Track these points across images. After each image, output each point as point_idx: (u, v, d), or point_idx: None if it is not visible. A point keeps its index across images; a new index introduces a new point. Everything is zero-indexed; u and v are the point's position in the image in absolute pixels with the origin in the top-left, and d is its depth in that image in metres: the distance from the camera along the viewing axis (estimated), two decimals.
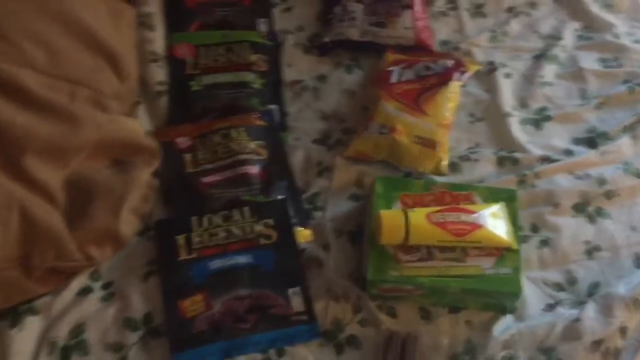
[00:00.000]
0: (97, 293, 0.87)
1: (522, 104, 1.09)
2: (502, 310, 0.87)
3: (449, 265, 0.85)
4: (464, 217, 0.86)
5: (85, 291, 0.87)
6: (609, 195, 0.97)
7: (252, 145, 0.99)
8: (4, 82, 0.80)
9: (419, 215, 0.85)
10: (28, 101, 0.82)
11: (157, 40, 1.12)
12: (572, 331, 0.83)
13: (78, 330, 0.83)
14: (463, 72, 1.08)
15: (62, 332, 0.83)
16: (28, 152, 0.81)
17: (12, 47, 0.82)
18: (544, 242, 0.93)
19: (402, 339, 0.83)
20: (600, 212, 0.96)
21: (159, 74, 1.09)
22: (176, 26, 1.16)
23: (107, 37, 0.95)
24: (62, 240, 0.82)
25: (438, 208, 0.87)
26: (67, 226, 0.83)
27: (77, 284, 0.87)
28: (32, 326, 0.83)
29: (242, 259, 0.88)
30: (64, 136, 0.84)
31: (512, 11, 1.23)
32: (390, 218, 0.85)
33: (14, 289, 0.81)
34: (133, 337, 0.83)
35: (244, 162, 0.97)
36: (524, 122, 1.07)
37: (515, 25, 1.20)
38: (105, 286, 0.87)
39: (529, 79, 1.12)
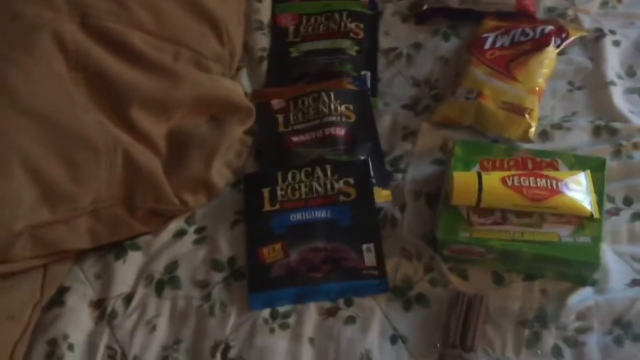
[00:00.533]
0: (191, 236, 0.96)
1: (630, 72, 1.03)
2: (581, 282, 0.84)
3: (524, 231, 0.84)
4: (542, 182, 0.84)
5: (180, 233, 0.96)
6: None
7: (341, 108, 1.03)
8: (115, 41, 0.91)
9: (493, 178, 0.85)
10: (135, 59, 0.92)
11: (264, 10, 1.19)
12: None
13: (172, 267, 0.92)
14: (564, 38, 1.04)
15: (158, 268, 0.92)
16: (134, 104, 0.91)
17: (123, 10, 0.92)
18: (636, 216, 0.89)
19: (469, 298, 0.83)
20: None
21: (262, 41, 1.16)
22: None
23: (212, 5, 1.02)
24: (161, 185, 0.91)
25: (515, 172, 0.86)
26: (165, 173, 0.92)
27: (174, 226, 0.96)
28: (134, 260, 0.93)
29: (321, 214, 0.93)
30: (166, 92, 0.93)
31: None
32: (463, 179, 0.85)
33: (119, 225, 0.91)
34: (218, 277, 0.91)
35: (331, 124, 1.01)
36: (629, 91, 1.01)
37: None
38: (198, 230, 0.96)
39: None
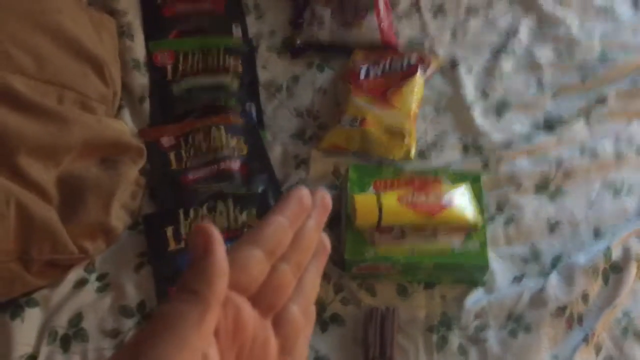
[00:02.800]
0: (93, 284, 0.92)
1: (484, 95, 1.17)
2: (473, 284, 0.94)
3: (421, 243, 0.92)
4: (432, 198, 0.93)
5: (81, 283, 0.91)
6: (567, 175, 1.04)
7: (233, 141, 1.05)
8: None
9: (390, 198, 0.92)
10: (19, 104, 0.87)
11: (137, 48, 1.17)
12: (538, 299, 0.90)
13: (77, 319, 0.88)
14: (426, 67, 1.15)
15: (61, 322, 0.87)
16: (21, 152, 0.86)
17: (2, 54, 0.87)
18: (509, 220, 1.01)
19: (382, 313, 0.89)
20: (559, 191, 1.03)
21: (141, 79, 1.14)
22: (156, 35, 1.21)
23: (91, 45, 1.00)
24: (58, 234, 0.86)
25: (408, 190, 0.94)
26: (61, 221, 0.88)
27: (73, 276, 0.92)
28: (33, 317, 0.87)
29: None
30: (55, 136, 0.89)
31: (470, 11, 1.30)
32: (364, 201, 0.91)
33: (14, 281, 0.85)
34: (129, 323, 0.88)
35: (225, 158, 1.03)
36: (486, 111, 1.14)
37: (474, 23, 1.28)
38: (100, 278, 0.92)
39: (489, 72, 1.20)
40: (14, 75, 0.88)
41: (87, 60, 0.98)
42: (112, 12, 1.18)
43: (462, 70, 1.19)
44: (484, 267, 0.91)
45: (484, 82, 1.19)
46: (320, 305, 0.91)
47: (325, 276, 0.93)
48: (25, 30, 0.91)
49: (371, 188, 0.96)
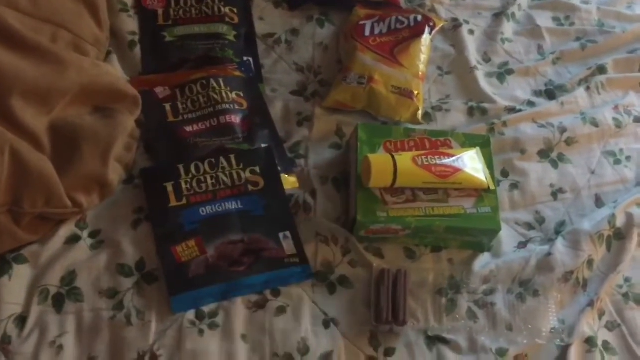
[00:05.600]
0: (86, 241, 0.85)
1: (486, 58, 1.15)
2: (480, 249, 0.92)
3: (433, 206, 0.89)
4: (446, 159, 0.90)
5: (73, 239, 0.85)
6: (569, 142, 1.04)
7: (233, 95, 1.00)
8: None
9: (405, 159, 0.89)
10: (14, 41, 0.79)
11: None
12: (545, 264, 0.90)
13: (70, 277, 0.82)
14: (432, 27, 1.12)
15: (53, 280, 0.81)
16: (14, 94, 0.78)
17: None
18: (514, 186, 1.00)
19: (393, 275, 0.87)
20: (562, 158, 1.03)
21: (130, 24, 1.06)
22: None
23: None
24: (53, 186, 0.80)
25: (422, 152, 0.91)
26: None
27: (64, 232, 0.85)
28: (21, 274, 0.81)
29: (232, 205, 0.89)
30: (50, 78, 0.81)
31: None
32: (379, 162, 0.88)
33: (2, 235, 0.78)
34: (127, 283, 0.83)
35: (225, 112, 0.97)
36: (489, 75, 1.12)
37: None
38: (94, 234, 0.86)
39: (490, 36, 1.18)
40: (7, 9, 0.79)
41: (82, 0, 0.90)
42: None
43: (464, 32, 1.16)
44: (496, 230, 0.90)
45: (486, 45, 1.17)
46: (328, 267, 0.88)
47: (333, 238, 0.90)
48: None
49: (381, 149, 0.93)
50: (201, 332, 0.80)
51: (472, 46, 1.15)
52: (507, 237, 0.95)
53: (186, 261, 0.84)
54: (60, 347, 0.77)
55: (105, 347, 0.78)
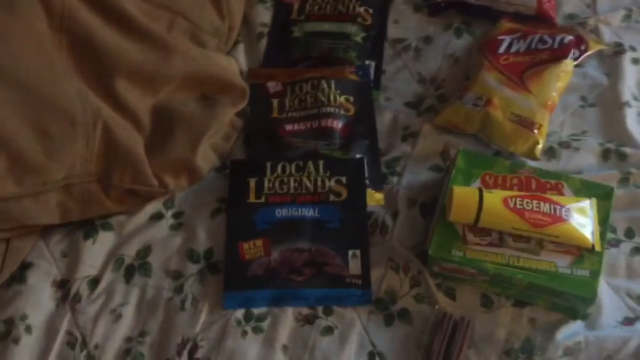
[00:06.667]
0: (168, 220, 0.90)
1: None
2: (573, 315, 0.80)
3: (520, 256, 0.79)
4: (545, 207, 0.79)
5: (157, 217, 0.90)
6: None
7: (341, 99, 0.97)
8: (107, 4, 0.83)
9: (495, 198, 0.80)
10: (127, 26, 0.84)
11: None
12: None
13: (145, 252, 0.87)
14: (583, 51, 0.98)
15: (130, 252, 0.87)
16: (120, 75, 0.84)
17: None
18: (637, 250, 0.84)
19: (455, 321, 0.79)
20: None
21: (264, 15, 1.08)
22: None
23: None
24: (140, 164, 0.85)
25: (518, 193, 0.81)
26: (147, 151, 0.86)
27: (151, 208, 0.90)
28: (105, 241, 0.88)
29: (308, 212, 0.87)
30: (156, 64, 0.86)
31: None
32: (463, 195, 0.80)
33: (92, 203, 0.85)
34: (192, 269, 0.86)
35: (328, 115, 0.95)
36: None
37: None
38: (176, 215, 0.90)
39: None
40: None
41: None
42: None
43: (627, 60, 1.00)
44: (589, 300, 0.77)
45: None
46: (391, 296, 0.82)
47: (404, 267, 0.84)
48: None
49: (478, 181, 0.85)
50: (244, 333, 0.80)
51: (631, 77, 0.99)
52: (612, 308, 0.81)
53: (249, 259, 0.84)
54: (119, 316, 0.82)
55: (156, 326, 0.82)
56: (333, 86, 0.98)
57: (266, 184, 0.89)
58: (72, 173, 0.82)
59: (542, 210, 0.79)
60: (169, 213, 0.90)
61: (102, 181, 0.84)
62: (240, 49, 1.04)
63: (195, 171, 0.89)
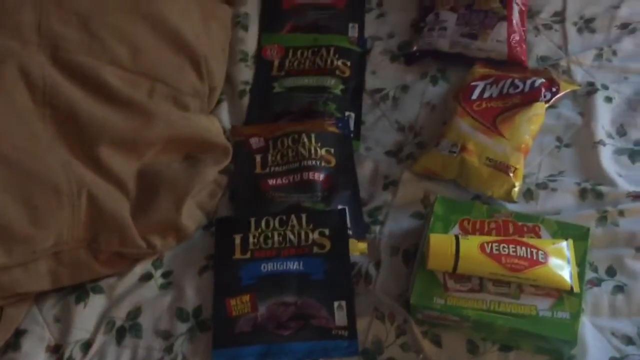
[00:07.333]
0: (157, 280, 0.92)
1: (621, 131, 1.00)
2: (558, 357, 0.81)
3: (501, 301, 0.80)
4: (522, 251, 0.81)
5: (146, 277, 0.92)
6: None
7: (322, 151, 1.00)
8: (86, 76, 0.87)
9: (471, 244, 0.81)
10: (108, 96, 0.88)
11: (249, 40, 1.15)
12: None
13: (135, 313, 0.88)
14: (554, 92, 1.00)
15: (121, 314, 0.88)
16: (104, 143, 0.87)
17: (99, 44, 0.88)
18: (619, 289, 0.85)
19: None
20: None
21: (246, 73, 1.12)
22: (270, 27, 1.18)
23: (192, 37, 0.98)
24: (126, 228, 0.87)
25: (495, 238, 0.82)
26: (133, 214, 0.89)
27: (140, 269, 0.92)
28: (96, 304, 0.89)
29: (293, 265, 0.89)
30: (138, 130, 0.89)
31: (626, 28, 1.12)
32: (440, 243, 0.82)
33: (82, 268, 0.87)
34: (182, 328, 0.87)
35: (310, 168, 0.98)
36: (619, 152, 0.97)
37: (627, 44, 1.10)
38: (165, 275, 0.92)
39: (634, 105, 1.02)
40: (107, 65, 0.88)
41: (185, 52, 0.97)
42: (231, 1, 1.16)
43: (600, 98, 1.02)
44: (570, 342, 0.78)
45: (626, 116, 1.01)
46: (378, 346, 0.83)
47: (389, 316, 0.85)
48: (126, 19, 0.91)
49: (456, 227, 0.86)
50: None
51: (605, 116, 1.01)
52: (598, 348, 0.81)
53: (236, 316, 0.86)
54: None
55: None
56: (313, 139, 1.00)
57: (251, 239, 0.91)
58: (60, 240, 0.84)
59: (519, 254, 0.80)
60: (158, 273, 0.92)
61: (90, 246, 0.86)
62: (224, 108, 1.07)
63: (181, 230, 0.92)
